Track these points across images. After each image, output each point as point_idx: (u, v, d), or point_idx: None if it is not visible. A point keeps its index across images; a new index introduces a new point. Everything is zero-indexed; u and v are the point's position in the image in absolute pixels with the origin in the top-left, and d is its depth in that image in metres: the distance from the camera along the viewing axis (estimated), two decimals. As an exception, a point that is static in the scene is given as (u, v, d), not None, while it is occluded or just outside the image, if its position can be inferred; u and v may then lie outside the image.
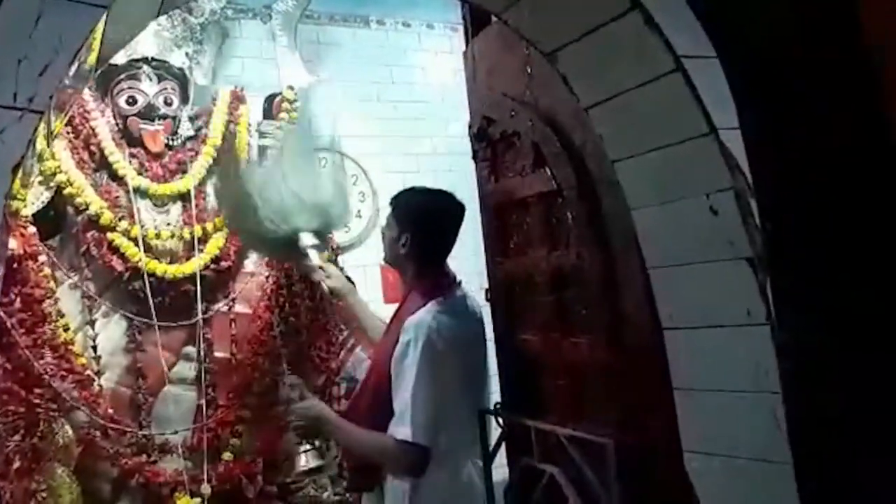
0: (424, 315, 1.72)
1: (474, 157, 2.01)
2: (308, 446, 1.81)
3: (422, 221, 1.84)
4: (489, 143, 1.92)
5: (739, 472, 1.32)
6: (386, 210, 1.98)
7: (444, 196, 1.87)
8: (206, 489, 2.51)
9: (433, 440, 1.67)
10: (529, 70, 1.74)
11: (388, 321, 1.95)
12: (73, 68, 0.91)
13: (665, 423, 1.45)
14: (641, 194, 1.44)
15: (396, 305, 1.93)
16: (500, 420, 1.88)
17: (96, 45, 1.28)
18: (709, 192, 1.31)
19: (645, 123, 1.38)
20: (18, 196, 2.34)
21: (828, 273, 1.28)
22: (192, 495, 2.49)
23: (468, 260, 2.56)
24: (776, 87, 1.28)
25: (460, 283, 1.92)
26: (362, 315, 2.26)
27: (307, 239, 2.19)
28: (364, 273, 3.18)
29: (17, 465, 2.27)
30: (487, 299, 2.04)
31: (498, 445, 1.88)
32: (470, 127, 2.00)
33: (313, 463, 1.81)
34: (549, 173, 1.68)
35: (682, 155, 1.33)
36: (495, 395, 1.97)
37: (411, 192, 1.91)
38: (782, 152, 1.28)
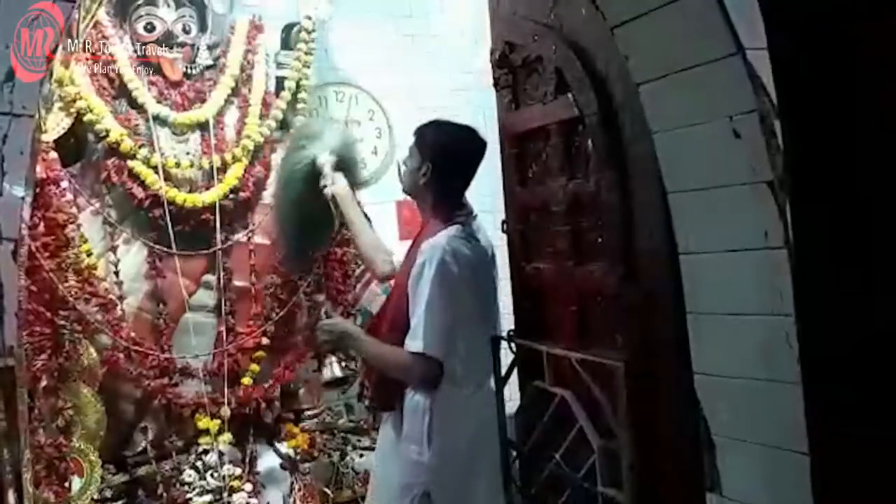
0: (440, 238, 1.80)
1: (495, 85, 1.99)
2: (333, 359, 1.89)
3: (443, 154, 1.89)
4: (511, 69, 1.90)
5: (749, 393, 1.34)
6: (402, 146, 1.99)
7: (467, 130, 1.92)
8: (225, 412, 2.60)
9: (444, 354, 1.75)
10: (553, -8, 1.71)
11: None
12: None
13: (675, 348, 1.47)
14: (664, 117, 1.42)
15: (410, 242, 1.98)
16: (513, 346, 1.92)
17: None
18: (732, 115, 1.30)
19: (672, 43, 1.35)
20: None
21: (848, 195, 1.27)
22: (213, 417, 2.58)
23: (485, 198, 2.56)
24: (807, 4, 1.25)
25: (476, 216, 1.97)
26: (359, 223, 2.24)
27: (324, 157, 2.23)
28: (380, 209, 3.19)
29: (44, 383, 2.35)
30: (504, 231, 2.05)
31: (510, 370, 1.92)
32: (492, 53, 1.97)
33: (339, 373, 1.89)
34: (570, 99, 1.67)
35: (708, 76, 1.31)
36: (508, 324, 2.00)
37: (435, 124, 1.96)
38: (811, 72, 1.26)
